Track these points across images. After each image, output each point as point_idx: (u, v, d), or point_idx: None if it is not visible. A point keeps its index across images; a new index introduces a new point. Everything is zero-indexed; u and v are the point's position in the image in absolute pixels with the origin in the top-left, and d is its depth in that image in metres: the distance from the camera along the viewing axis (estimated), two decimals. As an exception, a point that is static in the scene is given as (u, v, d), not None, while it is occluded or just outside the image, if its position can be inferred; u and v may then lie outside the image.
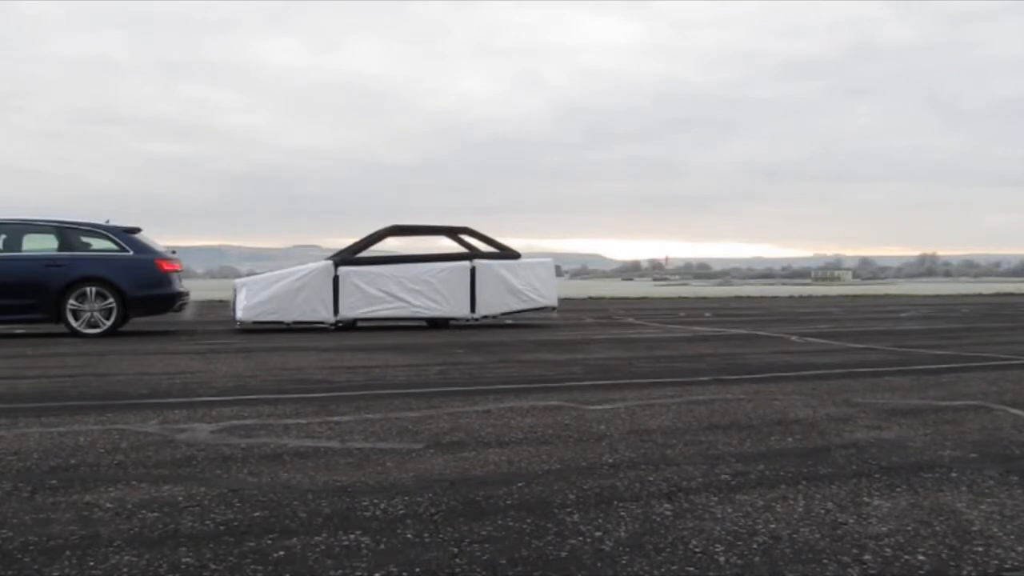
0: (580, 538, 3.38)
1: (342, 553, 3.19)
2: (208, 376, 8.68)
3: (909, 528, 3.51)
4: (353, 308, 15.49)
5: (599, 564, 3.09)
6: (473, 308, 16.10)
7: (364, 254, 16.37)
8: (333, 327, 15.50)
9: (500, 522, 3.58)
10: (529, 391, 7.55)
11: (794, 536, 3.41)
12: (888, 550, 3.24)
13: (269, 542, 3.31)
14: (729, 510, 3.76)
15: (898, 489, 4.13)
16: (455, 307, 16.01)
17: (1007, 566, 3.08)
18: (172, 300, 15.30)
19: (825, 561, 3.12)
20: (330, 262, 15.56)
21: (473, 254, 16.64)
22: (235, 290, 15.71)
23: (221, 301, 27.48)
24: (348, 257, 15.86)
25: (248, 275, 17.19)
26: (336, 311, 15.40)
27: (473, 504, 3.85)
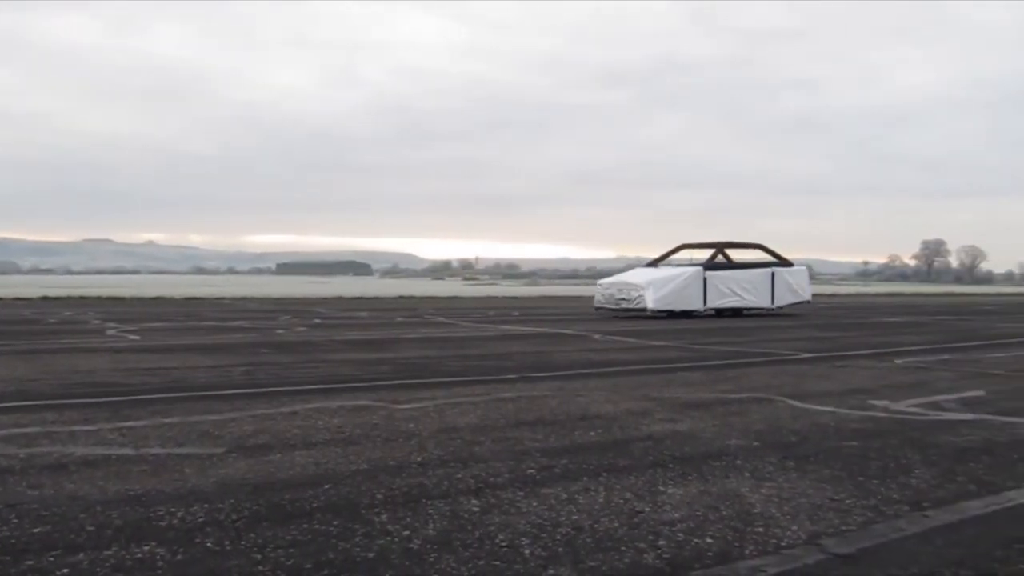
0: (388, 538, 3.36)
1: (135, 567, 3.02)
2: (-18, 381, 7.94)
3: (699, 513, 3.74)
4: (713, 301, 21.51)
5: (407, 563, 3.09)
6: (772, 301, 22.71)
7: (672, 261, 23.59)
8: (703, 314, 21.11)
9: (306, 525, 3.50)
10: (337, 391, 7.43)
11: (595, 526, 3.54)
12: (680, 535, 3.44)
13: (51, 559, 3.08)
14: (534, 504, 3.86)
15: (690, 477, 4.39)
16: (762, 301, 22.59)
17: (783, 544, 3.34)
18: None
19: (623, 548, 3.27)
20: (701, 268, 21.74)
21: (770, 262, 23.43)
22: (639, 287, 20.87)
23: (-2, 299, 25.22)
24: (710, 264, 22.24)
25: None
26: (704, 303, 21.33)
27: (278, 508, 3.75)
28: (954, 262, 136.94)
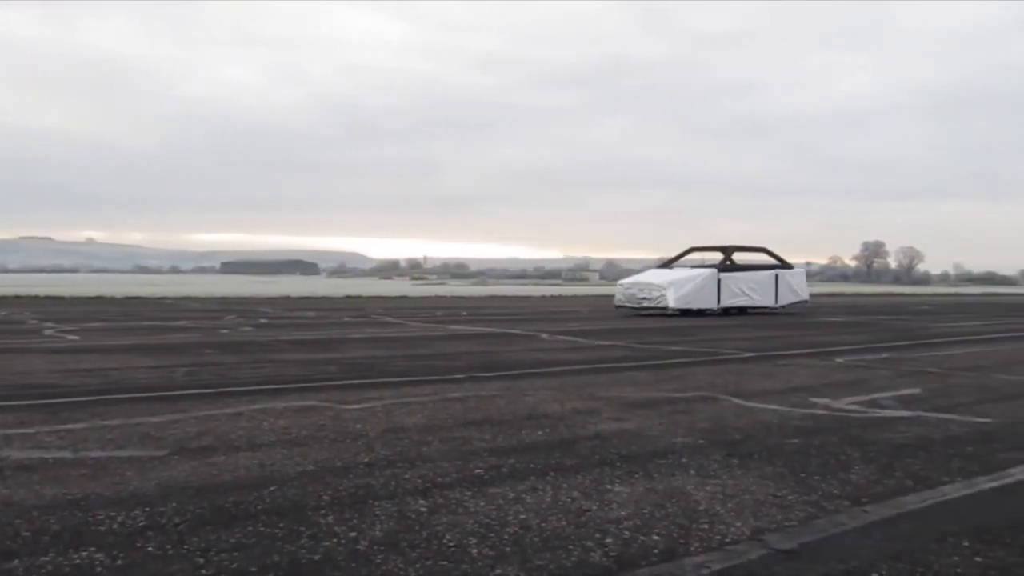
0: (335, 540, 3.33)
1: (73, 573, 2.95)
2: (-89, 383, 7.69)
3: (645, 511, 3.78)
4: (725, 300, 22.92)
5: (354, 565, 3.07)
6: (776, 301, 24.22)
7: (683, 262, 25.08)
8: (717, 313, 22.41)
9: (251, 528, 3.46)
10: (284, 391, 7.35)
11: (543, 525, 3.56)
12: (627, 533, 3.47)
13: (-15, 565, 2.99)
14: (482, 503, 3.86)
15: (636, 476, 4.43)
16: (767, 300, 24.07)
17: (728, 540, 3.39)
18: None
19: (571, 547, 3.29)
20: (715, 270, 23.17)
21: (773, 265, 24.88)
22: (662, 287, 22.20)
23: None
24: (723, 266, 23.62)
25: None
26: (719, 302, 22.66)
27: (222, 511, 3.69)
28: (893, 263, 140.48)
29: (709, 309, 22.57)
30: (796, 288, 25.33)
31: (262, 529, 3.45)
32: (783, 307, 24.71)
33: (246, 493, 3.98)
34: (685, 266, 24.74)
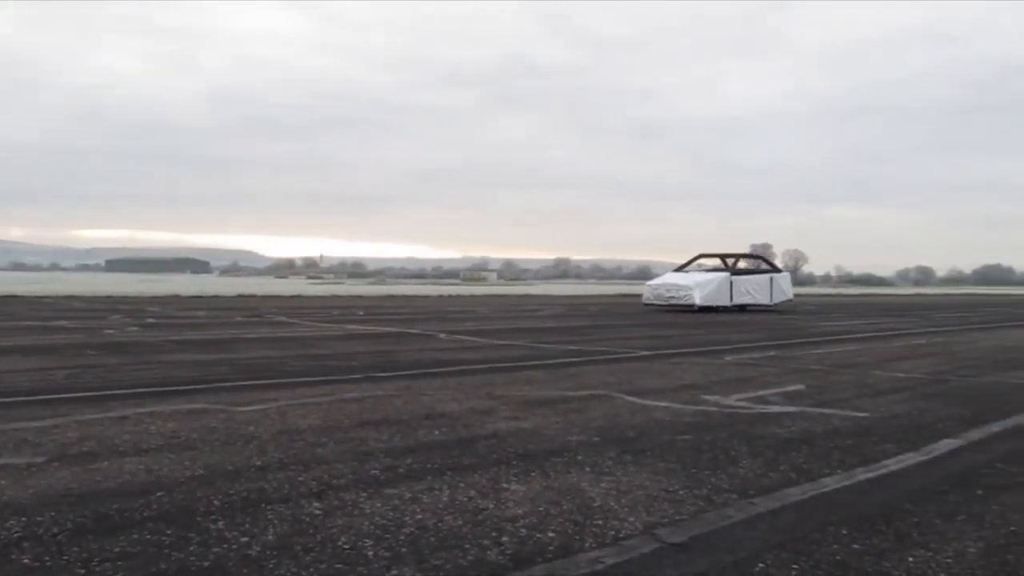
0: (225, 545, 3.25)
1: (-60, 587, 2.78)
2: None
3: (541, 509, 3.81)
4: (735, 298, 26.83)
5: (245, 571, 3.00)
6: (770, 300, 28.37)
7: (695, 266, 29.49)
8: (729, 310, 26.30)
9: (136, 536, 3.33)
10: (173, 394, 7.11)
11: (439, 525, 3.55)
12: (523, 530, 3.50)
13: None
14: (378, 504, 3.83)
15: (533, 474, 4.47)
16: (764, 299, 28.17)
17: (622, 535, 3.46)
18: None
19: (467, 546, 3.29)
20: (728, 273, 27.51)
21: (767, 269, 30.18)
22: (688, 288, 26.17)
23: None
24: (734, 270, 28.01)
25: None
26: (731, 300, 26.65)
27: (105, 519, 3.55)
28: (779, 265, 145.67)
29: (724, 306, 26.46)
30: (785, 289, 29.73)
31: (148, 537, 3.33)
32: (775, 305, 28.56)
33: (131, 500, 3.84)
34: (696, 270, 28.94)
